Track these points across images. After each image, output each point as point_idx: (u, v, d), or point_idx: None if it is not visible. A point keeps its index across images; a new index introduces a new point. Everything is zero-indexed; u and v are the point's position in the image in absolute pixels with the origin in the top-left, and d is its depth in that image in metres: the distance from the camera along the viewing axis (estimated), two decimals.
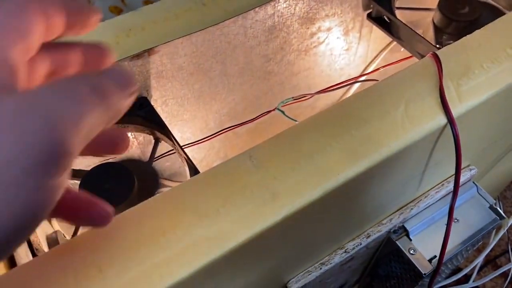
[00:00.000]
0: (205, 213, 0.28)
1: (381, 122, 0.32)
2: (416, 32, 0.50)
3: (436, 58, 0.36)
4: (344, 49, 0.59)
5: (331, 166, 0.30)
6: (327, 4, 0.51)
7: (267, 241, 0.30)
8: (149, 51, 0.42)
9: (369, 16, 0.55)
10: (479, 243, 0.52)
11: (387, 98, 0.34)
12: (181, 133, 0.52)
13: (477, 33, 0.38)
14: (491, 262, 0.80)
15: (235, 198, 0.29)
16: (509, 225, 0.57)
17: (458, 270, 0.65)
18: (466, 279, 0.74)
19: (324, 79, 0.61)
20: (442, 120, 0.32)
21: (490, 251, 0.82)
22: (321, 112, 0.33)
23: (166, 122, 0.49)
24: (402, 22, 0.51)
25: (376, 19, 0.55)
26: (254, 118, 0.53)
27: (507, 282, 0.78)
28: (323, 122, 0.32)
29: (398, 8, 0.56)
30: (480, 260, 0.63)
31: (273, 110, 0.51)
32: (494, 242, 0.57)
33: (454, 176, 0.37)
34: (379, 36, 0.59)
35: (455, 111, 0.33)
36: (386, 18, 0.53)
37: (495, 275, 0.66)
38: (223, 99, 0.53)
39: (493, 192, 0.80)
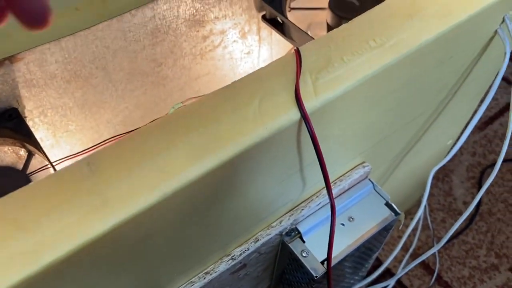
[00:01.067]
0: (23, 225, 0.25)
1: (231, 119, 0.31)
2: (305, 32, 0.50)
3: (297, 53, 0.35)
4: (245, 53, 0.58)
5: (173, 166, 0.28)
6: (215, 6, 0.50)
7: (109, 252, 0.28)
8: (10, 59, 0.39)
9: (264, 18, 0.55)
10: (385, 239, 0.51)
11: (241, 95, 0.32)
12: (70, 146, 0.50)
13: (343, 26, 0.38)
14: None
15: (63, 207, 0.26)
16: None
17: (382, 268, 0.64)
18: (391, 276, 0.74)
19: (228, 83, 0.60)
20: (296, 115, 0.31)
21: (417, 249, 0.82)
22: (174, 112, 0.32)
23: (49, 134, 0.47)
24: (292, 23, 0.51)
25: (271, 21, 0.54)
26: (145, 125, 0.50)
27: (433, 279, 0.78)
28: (172, 122, 0.31)
29: (293, 8, 0.55)
30: (396, 252, 0.62)
31: (165, 115, 0.49)
32: (403, 240, 0.57)
33: (321, 173, 0.36)
34: (281, 38, 0.58)
35: (310, 105, 0.32)
36: (279, 20, 0.53)
37: (414, 265, 0.65)
38: (114, 107, 0.50)
39: (416, 190, 0.80)
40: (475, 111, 0.50)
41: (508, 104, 1.04)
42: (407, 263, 0.80)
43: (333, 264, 0.44)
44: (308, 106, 0.32)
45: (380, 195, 0.48)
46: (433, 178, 0.91)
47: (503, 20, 0.45)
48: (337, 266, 0.46)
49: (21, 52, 0.39)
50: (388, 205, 0.48)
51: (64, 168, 0.28)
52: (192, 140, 0.29)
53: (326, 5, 0.54)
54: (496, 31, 0.46)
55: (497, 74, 0.48)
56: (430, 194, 0.89)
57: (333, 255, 0.44)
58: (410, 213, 0.87)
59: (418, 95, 0.45)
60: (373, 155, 0.49)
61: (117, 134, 0.51)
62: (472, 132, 1.00)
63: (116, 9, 0.43)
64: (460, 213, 0.87)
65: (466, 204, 0.88)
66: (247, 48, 0.58)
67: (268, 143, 0.31)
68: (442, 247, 0.82)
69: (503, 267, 0.80)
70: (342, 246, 0.45)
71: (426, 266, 0.80)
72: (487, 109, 1.03)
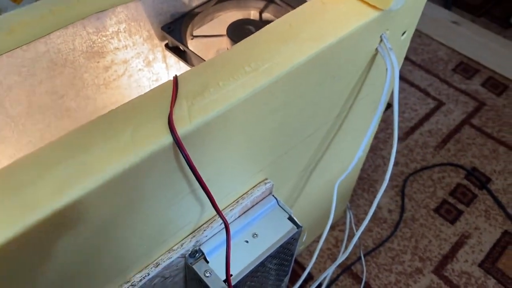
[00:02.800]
0: None
1: (101, 148, 0.32)
2: (203, 59, 0.52)
3: (175, 81, 0.37)
4: (153, 80, 0.60)
5: (39, 198, 0.29)
6: (113, 37, 0.51)
7: None
8: None
9: (167, 46, 0.56)
10: (291, 252, 0.53)
11: (115, 124, 0.34)
12: None
13: (223, 53, 0.40)
14: (346, 270, 0.83)
15: None
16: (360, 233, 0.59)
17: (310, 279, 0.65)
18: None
19: None
20: (167, 140, 0.33)
21: (346, 259, 0.85)
22: (45, 145, 0.32)
23: None
24: (191, 51, 0.53)
25: (174, 49, 0.56)
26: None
27: (361, 287, 0.81)
28: (42, 154, 0.31)
29: (195, 36, 0.57)
30: (311, 263, 0.64)
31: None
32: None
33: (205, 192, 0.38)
34: (186, 64, 0.60)
35: (184, 130, 0.33)
36: (181, 48, 0.55)
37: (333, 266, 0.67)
38: (16, 143, 0.50)
39: (339, 203, 0.83)
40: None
41: (427, 114, 1.11)
42: (336, 275, 0.82)
43: (238, 281, 0.45)
44: (182, 130, 0.33)
45: (284, 210, 0.50)
46: (358, 189, 0.95)
47: (381, 39, 0.49)
48: (246, 282, 0.47)
49: None
50: (290, 219, 0.50)
51: None
52: (59, 171, 0.30)
53: (224, 32, 0.56)
54: (377, 49, 0.50)
55: (383, 88, 0.51)
56: (356, 205, 0.93)
57: (237, 271, 0.46)
58: (337, 224, 0.90)
59: (308, 112, 0.48)
60: (275, 171, 0.51)
61: None
62: None
63: (7, 46, 0.43)
64: (386, 221, 0.91)
65: (391, 212, 0.92)
66: (155, 76, 0.59)
67: (142, 170, 0.32)
68: (369, 255, 0.86)
69: (427, 269, 0.84)
70: (246, 262, 0.46)
71: (354, 276, 0.83)
72: (407, 120, 1.09)
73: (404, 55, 0.58)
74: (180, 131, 0.33)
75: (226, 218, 0.47)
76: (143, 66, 0.57)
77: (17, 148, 0.51)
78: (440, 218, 0.92)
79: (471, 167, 1.00)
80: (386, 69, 0.49)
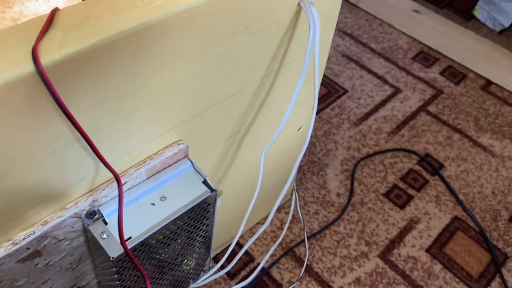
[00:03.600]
0: None
1: None
2: None
3: (52, 12, 0.33)
4: None
5: None
6: None
7: None
8: None
9: None
10: (208, 221, 0.49)
11: None
12: None
13: None
14: (289, 252, 0.80)
15: None
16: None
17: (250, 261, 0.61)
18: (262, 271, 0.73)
19: None
20: (28, 68, 0.29)
21: (290, 242, 0.82)
22: None
23: None
24: None
25: None
26: None
27: (303, 270, 0.78)
28: None
29: None
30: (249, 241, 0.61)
31: None
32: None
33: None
34: None
35: (51, 58, 0.30)
36: None
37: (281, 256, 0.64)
38: None
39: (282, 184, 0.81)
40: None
41: (383, 101, 1.09)
42: (278, 257, 0.80)
43: (137, 244, 0.42)
44: (49, 59, 0.30)
45: (199, 173, 0.47)
46: (308, 172, 0.92)
47: None
48: (151, 248, 0.44)
49: None
50: (205, 182, 0.46)
51: None
52: None
53: None
54: (299, 4, 0.47)
55: (306, 47, 0.49)
56: (305, 188, 0.90)
57: (137, 234, 0.42)
58: (283, 207, 0.87)
59: (226, 66, 0.45)
60: (193, 134, 0.48)
61: None
62: (348, 128, 1.03)
63: None
64: (333, 205, 0.88)
65: (339, 195, 0.90)
66: None
67: None
68: (314, 238, 0.83)
69: (372, 254, 0.82)
70: (149, 225, 0.43)
71: (297, 259, 0.80)
72: (363, 106, 1.07)
73: (336, 15, 0.55)
74: (46, 60, 0.30)
75: (130, 178, 0.44)
76: None
77: None
78: (390, 203, 0.90)
79: (425, 153, 0.99)
80: (309, 26, 0.47)
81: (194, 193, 0.45)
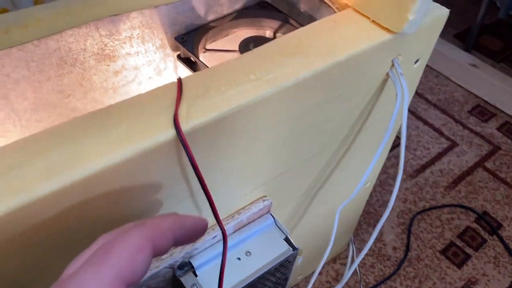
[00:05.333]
0: None
1: (93, 140, 0.31)
2: None
3: (179, 82, 0.36)
4: None
5: (26, 181, 0.28)
6: (126, 42, 0.51)
7: None
8: None
9: (179, 57, 0.56)
10: (285, 276, 0.51)
11: (112, 118, 0.33)
12: None
13: (228, 61, 0.40)
14: None
15: None
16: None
17: None
18: None
19: None
20: (168, 135, 0.32)
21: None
22: (37, 133, 0.32)
23: None
24: (203, 63, 0.53)
25: (185, 60, 0.56)
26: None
27: None
28: (33, 141, 0.31)
29: (208, 50, 0.58)
30: None
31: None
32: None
33: (208, 203, 0.37)
34: None
35: (183, 127, 0.33)
36: (192, 59, 0.55)
37: None
38: (17, 137, 0.50)
39: (343, 234, 0.81)
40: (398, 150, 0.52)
41: (440, 154, 1.09)
42: None
43: None
44: (182, 128, 0.33)
45: (281, 230, 0.49)
46: (364, 223, 0.92)
47: (393, 64, 0.48)
48: None
49: None
50: (287, 240, 0.48)
51: None
52: (48, 158, 0.30)
53: (237, 47, 0.56)
54: (388, 74, 0.49)
55: (391, 115, 0.50)
56: (361, 240, 0.90)
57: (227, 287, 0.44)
58: (339, 257, 0.87)
59: (312, 132, 0.47)
60: (275, 190, 0.50)
61: None
62: (404, 180, 1.02)
63: (19, 40, 0.44)
64: (389, 259, 0.87)
65: (396, 249, 0.89)
66: None
67: (136, 165, 0.31)
68: None
69: None
70: (236, 280, 0.44)
71: None
72: (419, 158, 1.07)
73: (416, 85, 0.58)
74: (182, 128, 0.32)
75: (220, 231, 0.46)
76: (154, 74, 0.57)
77: None
78: (447, 261, 0.88)
79: (482, 211, 0.97)
80: (396, 94, 0.49)
81: (277, 250, 0.47)
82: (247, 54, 0.41)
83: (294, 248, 0.47)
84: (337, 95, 0.45)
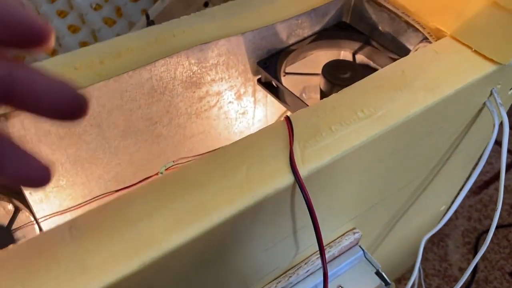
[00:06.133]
0: None
1: (217, 186, 0.31)
2: (299, 98, 0.51)
3: (288, 121, 0.36)
4: (240, 113, 0.59)
5: (155, 234, 0.28)
6: (212, 69, 0.51)
7: None
8: (6, 115, 0.40)
9: (259, 81, 0.56)
10: None
11: (230, 161, 0.33)
12: (59, 201, 0.49)
13: (333, 96, 0.39)
14: None
15: (39, 274, 0.26)
16: None
17: None
18: None
19: (223, 143, 0.60)
20: (286, 181, 0.32)
21: None
22: (159, 177, 0.32)
23: (39, 189, 0.46)
24: (286, 88, 0.52)
25: (266, 84, 0.55)
26: (137, 182, 0.51)
27: None
28: (157, 188, 0.31)
29: (287, 73, 0.57)
30: None
31: (156, 174, 0.50)
32: None
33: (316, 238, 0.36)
34: (276, 100, 0.59)
35: (301, 171, 0.32)
36: (274, 83, 0.54)
37: None
38: (106, 164, 0.51)
39: (410, 256, 0.79)
40: (468, 178, 0.50)
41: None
42: None
43: None
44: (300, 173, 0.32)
45: (371, 263, 0.47)
46: (428, 242, 0.90)
47: (491, 93, 0.46)
48: None
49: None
50: (378, 274, 0.47)
51: (46, 232, 0.28)
52: (176, 207, 0.29)
53: (319, 71, 0.55)
54: (484, 103, 0.47)
55: (487, 145, 0.49)
56: (425, 259, 0.88)
57: None
58: (404, 278, 0.85)
59: (407, 163, 0.45)
60: (364, 221, 0.49)
61: (108, 191, 0.51)
62: (467, 197, 0.99)
63: (115, 71, 0.44)
64: (456, 280, 0.85)
65: (462, 270, 0.86)
66: (242, 109, 0.59)
67: (256, 210, 0.31)
68: None
69: None
70: None
71: None
72: (482, 173, 1.03)
73: (506, 110, 0.55)
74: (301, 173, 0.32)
75: (313, 265, 0.45)
76: (234, 98, 0.57)
77: (105, 169, 0.51)
78: None
79: None
80: (494, 124, 0.47)
81: (369, 285, 0.46)
82: (350, 88, 0.40)
83: (387, 283, 0.46)
84: (437, 128, 0.43)
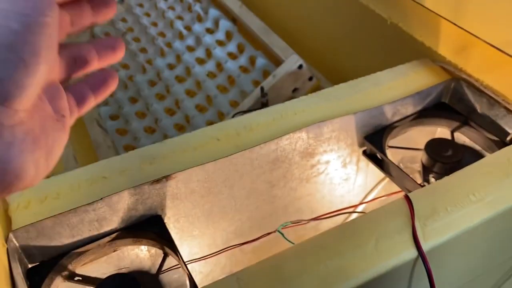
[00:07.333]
0: None
1: (352, 255, 0.37)
2: (403, 171, 0.57)
3: (408, 200, 0.42)
4: (343, 179, 0.66)
5: None
6: (325, 142, 0.59)
7: None
8: (167, 177, 0.49)
9: (364, 153, 0.63)
10: None
11: (361, 233, 0.39)
12: (189, 248, 0.58)
13: (446, 179, 0.45)
14: None
15: None
16: None
17: None
18: None
19: (326, 205, 0.67)
20: (410, 255, 0.37)
21: None
22: (305, 240, 0.39)
23: (177, 237, 0.56)
24: (391, 161, 0.58)
25: (370, 156, 0.62)
26: (257, 238, 0.58)
27: None
28: (305, 251, 0.38)
29: (390, 147, 0.63)
30: None
31: (274, 232, 0.57)
32: None
33: None
34: (376, 168, 0.65)
35: (424, 245, 0.38)
36: (378, 156, 0.61)
37: None
38: (230, 218, 0.59)
39: None
40: None
41: None
42: None
43: None
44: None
45: None
46: None
47: None
48: None
49: (175, 173, 0.49)
50: None
51: (217, 281, 0.36)
52: (320, 270, 0.36)
53: (416, 145, 0.61)
54: None
55: None
56: None
57: None
58: None
59: (509, 241, 0.49)
60: None
61: (229, 243, 0.59)
62: None
63: (249, 142, 0.53)
64: None
65: None
66: (346, 175, 0.66)
67: (384, 278, 0.37)
68: None
69: None
70: None
71: None
72: None
73: None
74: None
75: None
76: (340, 166, 0.64)
77: (229, 223, 0.59)
78: None
79: None
80: None
81: None
82: (461, 172, 0.45)
83: None
84: None
